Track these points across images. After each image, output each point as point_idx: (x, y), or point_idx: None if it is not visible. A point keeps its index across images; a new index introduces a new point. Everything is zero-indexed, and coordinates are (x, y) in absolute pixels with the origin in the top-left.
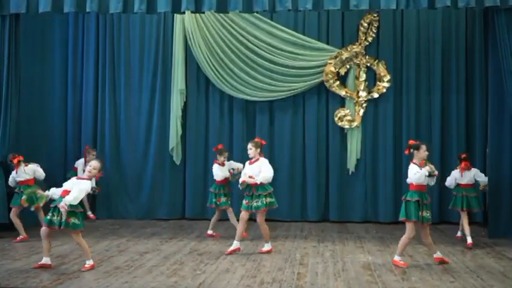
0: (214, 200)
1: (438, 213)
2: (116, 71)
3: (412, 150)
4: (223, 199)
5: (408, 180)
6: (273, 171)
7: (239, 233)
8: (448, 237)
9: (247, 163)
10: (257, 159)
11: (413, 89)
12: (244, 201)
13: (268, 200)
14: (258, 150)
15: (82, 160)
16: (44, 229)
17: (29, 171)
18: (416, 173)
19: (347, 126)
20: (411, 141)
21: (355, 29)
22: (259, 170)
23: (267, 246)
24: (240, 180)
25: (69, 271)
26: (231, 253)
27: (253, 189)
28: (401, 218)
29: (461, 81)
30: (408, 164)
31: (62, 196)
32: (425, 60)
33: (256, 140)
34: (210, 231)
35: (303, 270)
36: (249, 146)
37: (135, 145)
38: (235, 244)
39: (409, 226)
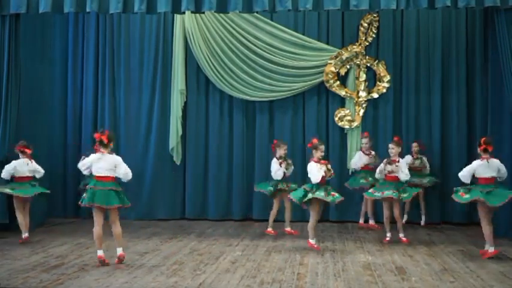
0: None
1: (438, 213)
2: (115, 71)
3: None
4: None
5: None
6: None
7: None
8: (448, 237)
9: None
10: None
11: (413, 89)
12: None
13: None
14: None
15: None
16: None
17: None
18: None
19: (347, 126)
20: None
21: (355, 29)
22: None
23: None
24: None
25: (69, 271)
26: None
27: None
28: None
29: (462, 81)
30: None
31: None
32: (425, 60)
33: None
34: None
35: (303, 270)
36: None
37: (135, 145)
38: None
39: None
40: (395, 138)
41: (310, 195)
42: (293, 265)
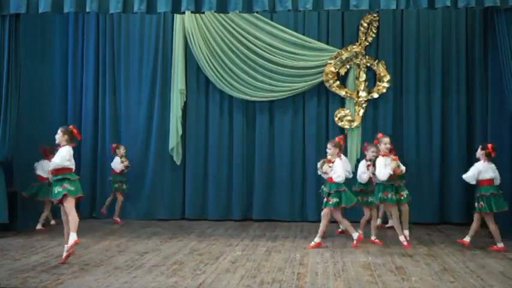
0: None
1: (438, 213)
2: (115, 71)
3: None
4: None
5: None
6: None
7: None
8: (447, 237)
9: None
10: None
11: (413, 89)
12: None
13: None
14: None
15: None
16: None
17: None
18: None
19: (347, 126)
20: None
21: (355, 29)
22: None
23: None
24: None
25: (69, 271)
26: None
27: None
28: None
29: (462, 81)
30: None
31: None
32: (425, 60)
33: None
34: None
35: (303, 270)
36: None
37: (135, 145)
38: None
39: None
40: (337, 139)
41: (381, 195)
42: (293, 265)
